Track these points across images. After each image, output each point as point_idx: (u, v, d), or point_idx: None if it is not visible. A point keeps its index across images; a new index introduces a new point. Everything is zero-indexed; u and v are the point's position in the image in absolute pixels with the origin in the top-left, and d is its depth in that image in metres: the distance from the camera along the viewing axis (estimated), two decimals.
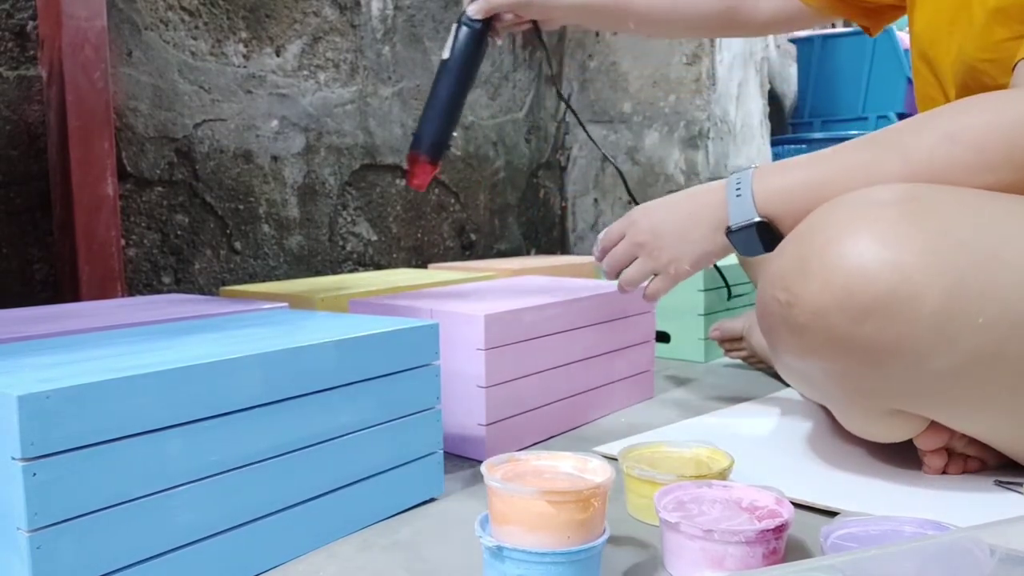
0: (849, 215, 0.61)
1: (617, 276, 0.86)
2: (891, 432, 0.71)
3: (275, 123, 1.43)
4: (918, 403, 0.65)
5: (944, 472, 0.73)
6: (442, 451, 0.71)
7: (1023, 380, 0.61)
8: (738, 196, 0.75)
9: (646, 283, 0.86)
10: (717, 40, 1.80)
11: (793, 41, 2.55)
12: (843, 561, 0.41)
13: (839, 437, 0.84)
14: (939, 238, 0.59)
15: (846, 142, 0.72)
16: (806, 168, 0.73)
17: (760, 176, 0.74)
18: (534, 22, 1.00)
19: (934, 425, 0.70)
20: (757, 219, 0.73)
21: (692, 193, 0.81)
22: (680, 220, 0.80)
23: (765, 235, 0.74)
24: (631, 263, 0.84)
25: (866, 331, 0.59)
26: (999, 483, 0.69)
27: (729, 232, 0.75)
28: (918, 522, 0.52)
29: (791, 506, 0.55)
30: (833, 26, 3.07)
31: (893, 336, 0.59)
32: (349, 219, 1.56)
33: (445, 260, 1.77)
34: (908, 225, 0.59)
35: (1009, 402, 0.63)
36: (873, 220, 0.60)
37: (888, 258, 0.58)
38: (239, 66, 1.37)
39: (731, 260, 1.40)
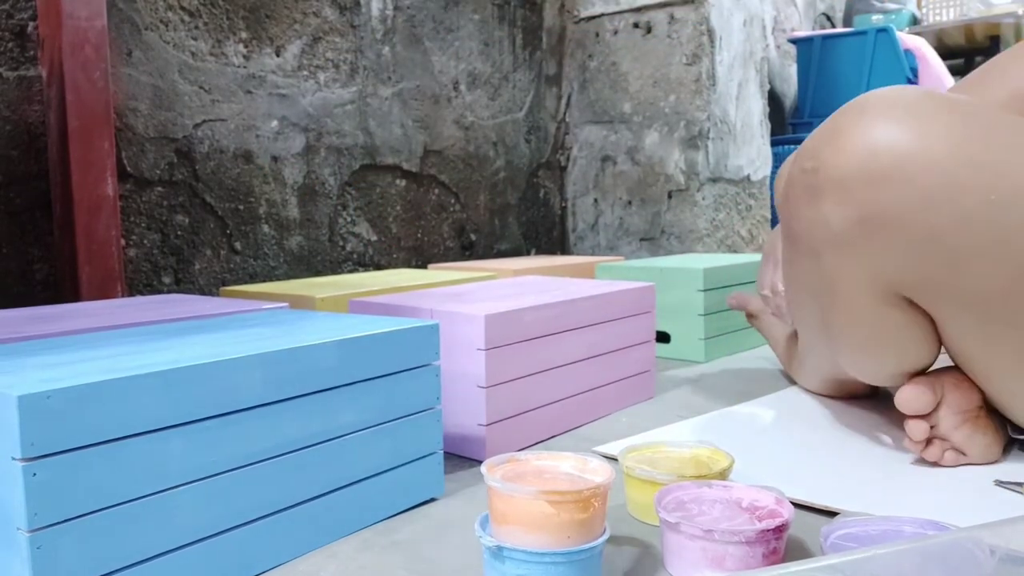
0: (882, 95, 0.66)
1: None
2: (885, 347, 0.71)
3: (275, 123, 1.43)
4: (921, 289, 0.66)
5: (923, 453, 0.73)
6: (442, 451, 0.71)
7: (1020, 281, 0.62)
8: None
9: None
10: (717, 40, 1.81)
11: (793, 41, 2.55)
12: (843, 561, 0.41)
13: (839, 437, 0.84)
14: (964, 120, 0.63)
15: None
16: None
17: None
18: None
19: (918, 383, 0.71)
20: None
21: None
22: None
23: None
24: None
25: (881, 196, 0.62)
26: (999, 483, 0.69)
27: None
28: (918, 522, 0.52)
29: (791, 506, 0.55)
30: (833, 26, 3.07)
31: (907, 205, 0.62)
32: (349, 219, 1.56)
33: (445, 260, 1.77)
34: (937, 106, 0.64)
35: (1006, 308, 0.64)
36: (901, 98, 0.65)
37: (910, 127, 0.62)
38: (239, 66, 1.37)
39: (731, 261, 1.40)
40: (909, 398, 0.72)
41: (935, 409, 0.72)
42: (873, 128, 0.64)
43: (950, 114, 0.63)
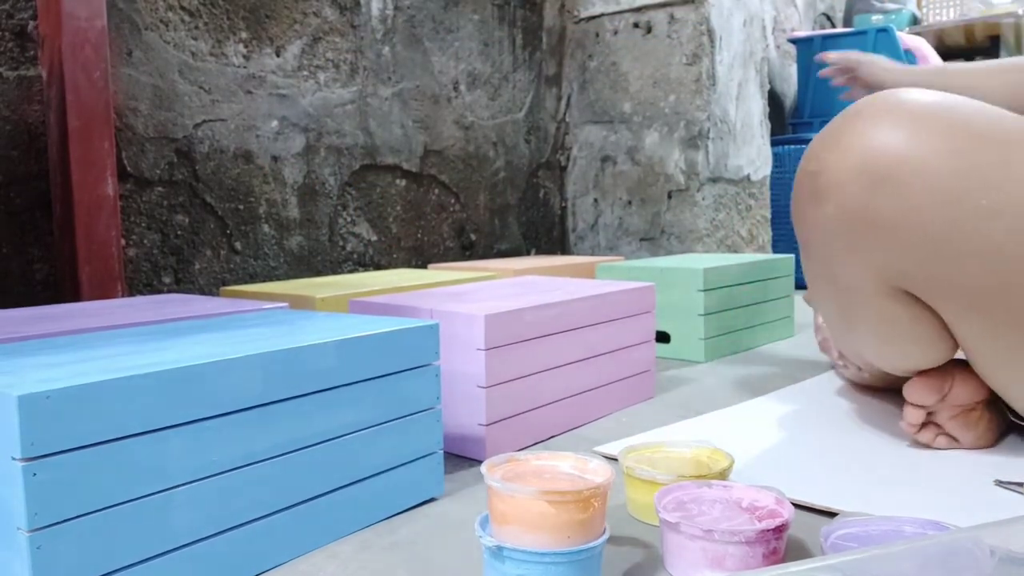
0: (882, 99, 0.68)
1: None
2: (899, 339, 0.73)
3: (275, 123, 1.43)
4: (921, 285, 0.68)
5: (917, 435, 0.77)
6: (442, 451, 0.71)
7: (1013, 285, 0.64)
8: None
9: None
10: (717, 40, 1.81)
11: (793, 41, 2.55)
12: (843, 561, 0.41)
13: (840, 437, 0.84)
14: (956, 127, 0.65)
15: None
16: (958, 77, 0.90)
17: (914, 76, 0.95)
18: None
19: (927, 378, 0.74)
20: None
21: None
22: None
23: None
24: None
25: (877, 200, 0.65)
26: (999, 483, 0.69)
27: None
28: (918, 522, 0.52)
29: (791, 506, 0.55)
30: (833, 25, 3.07)
31: (901, 207, 0.64)
32: (349, 219, 1.56)
33: (445, 260, 1.77)
34: (931, 112, 0.65)
35: (1000, 306, 0.65)
36: (901, 104, 0.66)
37: (906, 133, 0.64)
38: (239, 66, 1.37)
39: (731, 261, 1.40)
40: (917, 390, 0.75)
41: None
42: (871, 132, 0.65)
43: (946, 121, 0.65)
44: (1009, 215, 0.62)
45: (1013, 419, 0.78)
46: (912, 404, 0.76)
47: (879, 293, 0.70)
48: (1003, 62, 0.90)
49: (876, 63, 1.07)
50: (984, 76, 0.89)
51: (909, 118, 0.65)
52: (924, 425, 0.77)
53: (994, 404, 0.77)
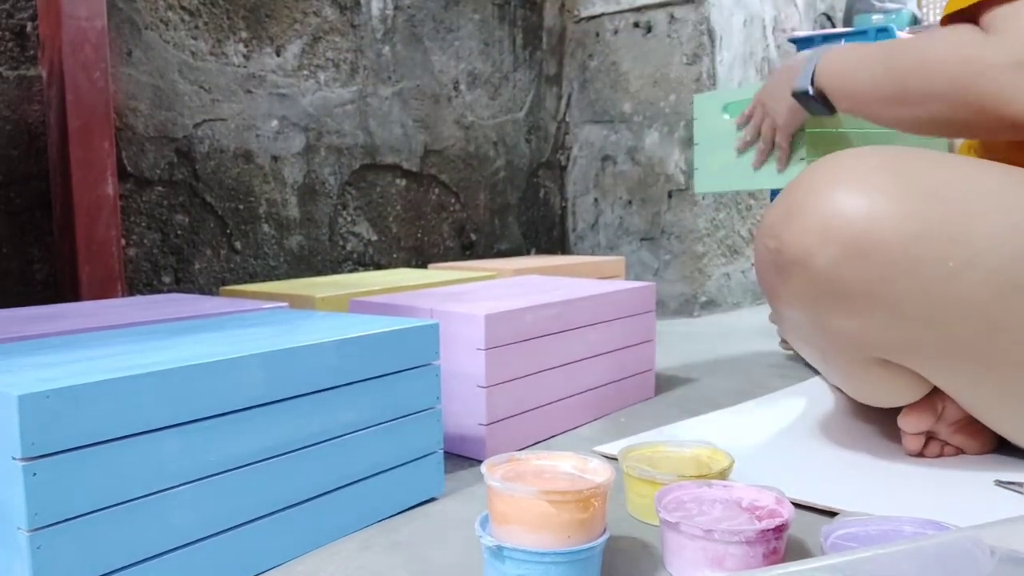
0: (832, 168, 0.66)
1: (757, 137, 1.09)
2: (880, 389, 0.73)
3: (275, 123, 1.43)
4: (897, 352, 0.68)
5: (921, 455, 0.76)
6: (442, 451, 0.71)
7: (994, 331, 0.63)
8: (808, 65, 0.92)
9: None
10: (717, 40, 1.81)
11: (793, 41, 2.55)
12: (843, 561, 0.41)
13: (840, 437, 0.84)
14: (911, 188, 0.63)
15: (886, 44, 0.81)
16: (855, 60, 0.84)
17: (826, 55, 0.89)
18: None
19: (919, 407, 0.73)
20: (809, 89, 0.90)
21: (791, 62, 1.00)
22: (776, 82, 1.02)
23: (820, 104, 0.91)
24: (762, 121, 1.06)
25: (842, 274, 0.63)
26: (999, 483, 0.69)
27: (793, 93, 0.94)
28: (918, 522, 0.52)
29: (791, 506, 0.55)
30: (833, 25, 3.07)
31: (868, 279, 0.63)
32: (349, 219, 1.56)
33: (445, 260, 1.77)
34: (882, 176, 0.64)
35: (982, 355, 0.65)
36: (851, 171, 0.65)
37: (862, 204, 0.63)
38: (239, 66, 1.37)
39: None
40: (912, 420, 0.74)
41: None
42: (826, 206, 0.64)
43: (897, 185, 0.63)
44: (980, 268, 0.61)
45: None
46: (910, 434, 0.75)
47: (852, 359, 0.70)
48: (885, 52, 0.79)
49: (769, 101, 1.03)
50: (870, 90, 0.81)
51: (860, 188, 0.63)
52: (927, 443, 0.76)
53: None
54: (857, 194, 0.63)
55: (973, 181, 0.64)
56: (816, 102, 0.91)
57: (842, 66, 0.86)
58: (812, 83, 0.89)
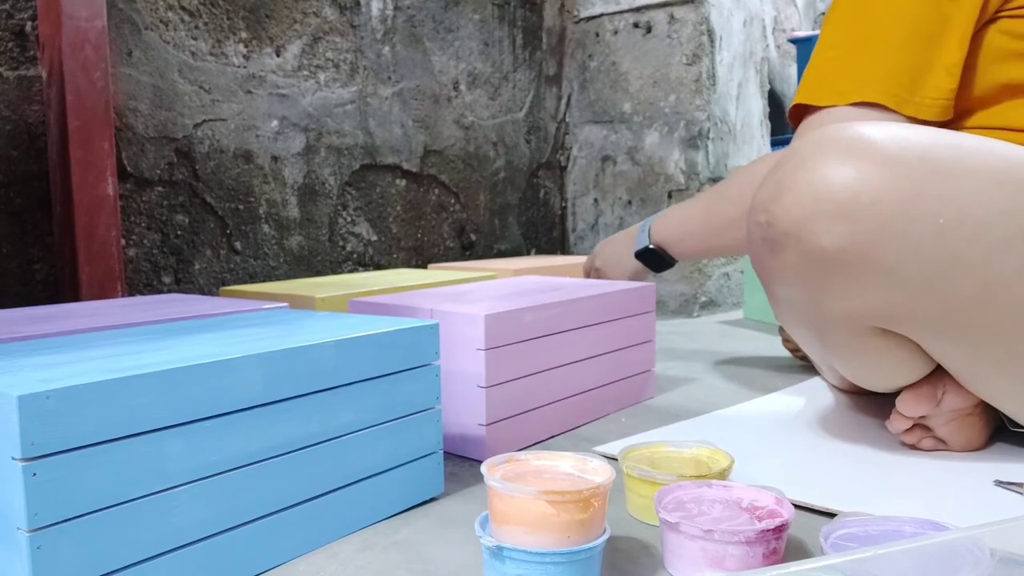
0: (818, 142, 0.66)
1: None
2: (879, 366, 0.73)
3: (275, 123, 1.43)
4: (895, 319, 0.68)
5: (903, 436, 0.78)
6: (442, 451, 0.71)
7: (988, 291, 0.64)
8: (642, 231, 1.11)
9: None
10: (717, 40, 1.81)
11: (793, 41, 2.55)
12: (843, 561, 0.41)
13: (840, 437, 0.84)
14: (899, 151, 0.64)
15: (711, 189, 1.03)
16: (679, 213, 1.08)
17: (658, 218, 1.10)
18: None
19: (920, 390, 0.73)
20: (650, 246, 1.09)
21: (627, 231, 1.16)
22: (615, 249, 1.17)
23: (661, 259, 1.10)
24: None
25: (836, 239, 0.63)
26: (999, 483, 0.69)
27: (636, 255, 1.11)
28: (918, 522, 0.52)
29: (791, 506, 0.55)
30: None
31: (860, 243, 0.63)
32: (349, 219, 1.56)
33: (445, 260, 1.77)
34: (869, 141, 0.64)
35: (979, 319, 0.65)
36: (837, 140, 0.65)
37: (851, 168, 0.63)
38: (239, 66, 1.37)
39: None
40: (910, 403, 0.75)
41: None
42: (814, 176, 0.64)
43: (885, 151, 0.64)
44: (969, 224, 0.62)
45: (1012, 428, 0.78)
46: (904, 416, 0.76)
47: (851, 332, 0.70)
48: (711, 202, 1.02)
49: (604, 268, 1.18)
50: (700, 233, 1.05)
51: (848, 156, 0.64)
52: (912, 427, 0.77)
53: (988, 407, 0.77)
54: (845, 162, 0.64)
55: (957, 143, 0.66)
56: (657, 256, 1.10)
57: (674, 218, 1.08)
58: (650, 241, 1.09)
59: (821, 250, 0.64)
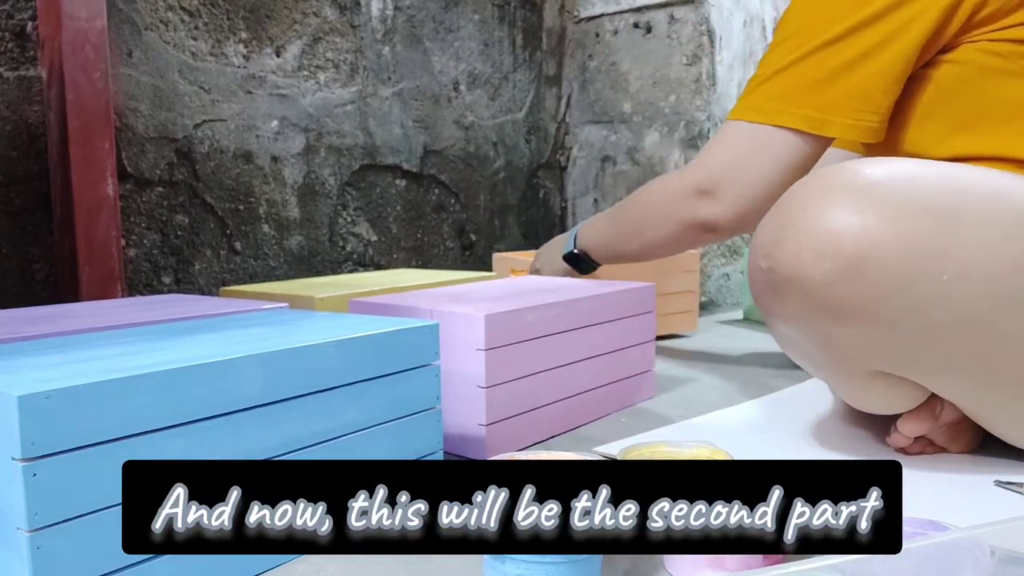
0: (822, 186, 0.65)
1: None
2: (881, 399, 0.73)
3: (275, 123, 1.43)
4: (896, 365, 0.67)
5: (906, 450, 0.77)
6: (442, 451, 0.71)
7: (993, 343, 0.63)
8: (571, 236, 1.18)
9: None
10: (717, 40, 1.81)
11: None
12: (843, 561, 0.41)
13: (840, 437, 0.84)
14: (902, 204, 0.62)
15: (619, 204, 1.11)
16: (600, 220, 1.15)
17: (585, 224, 1.18)
18: None
19: (919, 413, 0.73)
20: (575, 250, 1.17)
21: (566, 233, 1.23)
22: (551, 251, 1.24)
23: (585, 262, 1.17)
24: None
25: (838, 292, 0.63)
26: (999, 483, 0.69)
27: (564, 257, 1.18)
28: (918, 522, 0.52)
29: None
30: None
31: (863, 297, 0.62)
32: (349, 219, 1.56)
33: (445, 260, 1.77)
34: (874, 192, 0.63)
35: (982, 365, 0.65)
36: (842, 188, 0.64)
37: (854, 223, 0.62)
38: (239, 66, 1.37)
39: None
40: (911, 425, 0.74)
41: None
42: (818, 223, 0.63)
43: (889, 199, 0.62)
44: (973, 281, 0.61)
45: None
46: (905, 436, 0.75)
47: (852, 373, 0.70)
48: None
49: (543, 267, 1.24)
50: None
51: (852, 204, 0.62)
52: (913, 440, 0.77)
53: None
54: (849, 211, 0.62)
55: (967, 188, 0.64)
56: (581, 260, 1.16)
57: (595, 225, 1.15)
58: (575, 246, 1.16)
59: (823, 300, 0.63)
